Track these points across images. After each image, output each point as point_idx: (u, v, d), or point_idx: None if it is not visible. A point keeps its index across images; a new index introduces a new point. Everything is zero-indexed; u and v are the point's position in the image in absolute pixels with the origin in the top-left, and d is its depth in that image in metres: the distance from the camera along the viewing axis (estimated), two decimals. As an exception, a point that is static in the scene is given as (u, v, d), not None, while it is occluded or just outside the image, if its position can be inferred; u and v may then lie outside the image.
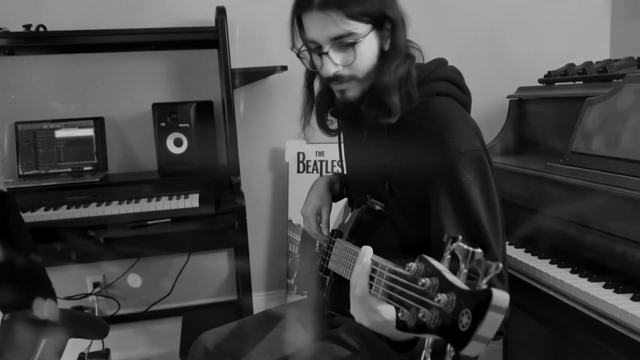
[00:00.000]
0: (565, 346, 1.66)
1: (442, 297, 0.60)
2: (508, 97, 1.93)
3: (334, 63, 1.08)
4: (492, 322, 0.53)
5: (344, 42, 1.06)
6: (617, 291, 1.18)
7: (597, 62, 1.73)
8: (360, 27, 1.06)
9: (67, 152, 2.28)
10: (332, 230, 1.35)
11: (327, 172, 2.41)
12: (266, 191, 2.54)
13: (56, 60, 2.30)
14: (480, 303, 0.54)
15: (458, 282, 0.61)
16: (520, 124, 1.87)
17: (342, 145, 1.39)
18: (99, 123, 2.30)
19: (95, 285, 2.41)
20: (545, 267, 1.37)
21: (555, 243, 1.46)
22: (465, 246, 0.61)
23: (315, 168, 2.43)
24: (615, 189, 1.26)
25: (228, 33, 2.11)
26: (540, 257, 1.43)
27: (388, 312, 0.79)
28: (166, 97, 2.37)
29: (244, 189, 2.12)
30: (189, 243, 2.34)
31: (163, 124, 2.18)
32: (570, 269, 1.33)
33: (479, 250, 0.60)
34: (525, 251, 1.49)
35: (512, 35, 2.50)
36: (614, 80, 1.55)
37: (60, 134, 2.28)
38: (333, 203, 1.43)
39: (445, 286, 0.61)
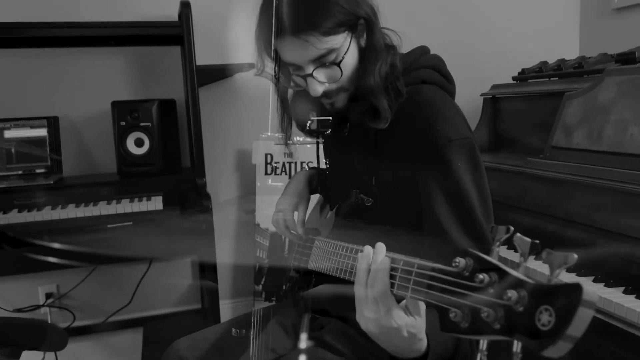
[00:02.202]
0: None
1: (512, 293, 0.53)
2: (482, 95, 1.91)
3: (320, 82, 1.03)
4: (583, 319, 0.47)
5: (327, 61, 1.01)
6: (607, 285, 1.15)
7: (569, 60, 1.74)
8: (338, 40, 1.00)
9: (18, 154, 2.13)
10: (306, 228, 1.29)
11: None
12: (232, 194, 2.44)
13: (5, 55, 2.15)
14: (566, 298, 0.48)
15: (524, 277, 0.54)
16: (494, 122, 1.86)
17: (322, 140, 1.33)
18: (52, 122, 2.15)
19: (48, 295, 2.26)
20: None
21: (536, 239, 1.43)
22: (526, 238, 0.56)
23: (284, 170, 2.35)
24: (601, 182, 1.24)
25: (193, 28, 2.02)
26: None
27: (402, 317, 0.74)
28: (126, 96, 2.25)
29: (209, 192, 2.03)
30: (152, 247, 2.21)
31: (123, 123, 2.06)
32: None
33: (537, 241, 0.56)
34: (507, 249, 1.46)
35: (482, 34, 2.50)
36: (591, 75, 1.54)
37: (10, 134, 2.13)
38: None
39: (511, 282, 0.55)
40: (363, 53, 1.06)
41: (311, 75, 1.01)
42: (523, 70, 1.85)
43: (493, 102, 1.88)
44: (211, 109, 2.34)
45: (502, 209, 1.55)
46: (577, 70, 1.58)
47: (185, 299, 2.45)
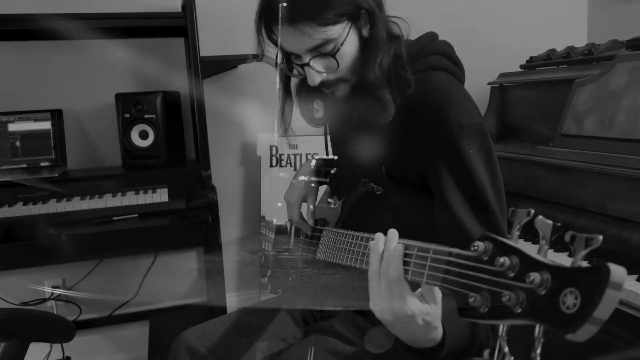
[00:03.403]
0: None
1: (535, 276, 0.52)
2: (489, 83, 1.89)
3: (317, 72, 1.01)
4: (610, 301, 0.46)
5: (324, 51, 0.99)
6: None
7: (578, 47, 1.71)
8: (336, 30, 0.98)
9: (22, 147, 2.12)
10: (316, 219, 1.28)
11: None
12: (237, 186, 2.43)
13: (8, 47, 2.14)
14: (592, 280, 0.47)
15: (547, 260, 0.53)
16: (502, 111, 1.84)
17: (329, 129, 1.31)
18: (56, 115, 2.14)
19: (54, 289, 2.25)
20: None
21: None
22: (548, 221, 0.55)
23: (288, 162, 2.34)
24: (613, 169, 1.22)
25: (197, 20, 2.00)
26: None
27: (416, 305, 0.73)
28: (131, 88, 2.24)
29: (214, 184, 2.02)
30: (157, 240, 2.20)
31: (127, 115, 2.04)
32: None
33: (559, 224, 0.54)
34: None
35: (490, 22, 2.47)
36: (601, 62, 1.52)
37: (13, 127, 2.11)
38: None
39: (532, 265, 0.54)
40: (365, 43, 1.04)
41: (308, 64, 1.00)
42: (531, 58, 1.82)
43: (501, 90, 1.86)
44: (216, 101, 2.32)
45: (513, 198, 1.53)
46: (587, 57, 1.56)
47: (191, 292, 2.44)
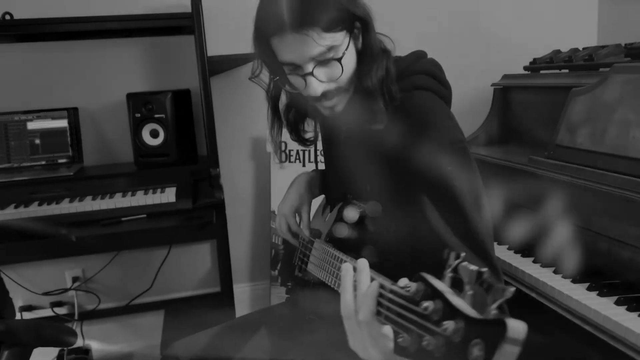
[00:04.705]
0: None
1: (449, 324, 0.54)
2: (492, 85, 1.87)
3: (320, 81, 1.02)
4: (507, 355, 0.48)
5: (326, 58, 1.00)
6: (601, 294, 1.14)
7: (583, 49, 1.67)
8: (337, 38, 1.00)
9: (41, 145, 2.21)
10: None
11: (310, 161, 2.35)
12: (248, 181, 2.48)
13: (25, 49, 2.22)
14: (493, 334, 0.49)
15: (465, 307, 0.54)
16: (504, 113, 1.82)
17: (321, 142, 1.34)
18: (72, 113, 2.22)
19: (75, 279, 2.36)
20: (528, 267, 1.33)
21: (536, 240, 1.42)
22: (471, 267, 0.56)
23: (297, 158, 2.36)
24: (600, 186, 1.21)
25: (204, 19, 2.03)
26: (524, 256, 1.39)
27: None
28: (142, 85, 2.29)
29: (225, 180, 2.06)
30: (166, 238, 2.28)
31: (138, 115, 2.10)
32: (553, 269, 1.29)
33: (486, 269, 0.55)
34: (508, 249, 1.45)
35: (498, 21, 2.42)
36: (601, 70, 1.49)
37: (32, 125, 2.20)
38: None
39: (451, 311, 0.55)
40: (360, 55, 1.06)
41: (311, 73, 1.00)
42: (534, 60, 1.79)
43: (504, 92, 1.83)
44: (225, 98, 2.36)
45: (507, 207, 1.53)
46: (587, 63, 1.53)
47: (205, 283, 2.52)
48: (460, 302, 0.55)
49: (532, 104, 1.71)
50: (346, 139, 1.19)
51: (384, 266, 0.81)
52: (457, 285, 0.58)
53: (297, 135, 1.23)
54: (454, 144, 1.01)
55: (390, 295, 0.67)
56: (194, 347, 1.17)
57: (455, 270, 0.58)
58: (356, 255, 1.02)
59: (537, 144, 1.62)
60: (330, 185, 1.35)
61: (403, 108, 1.06)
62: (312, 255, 1.23)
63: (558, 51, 1.76)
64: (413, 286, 0.62)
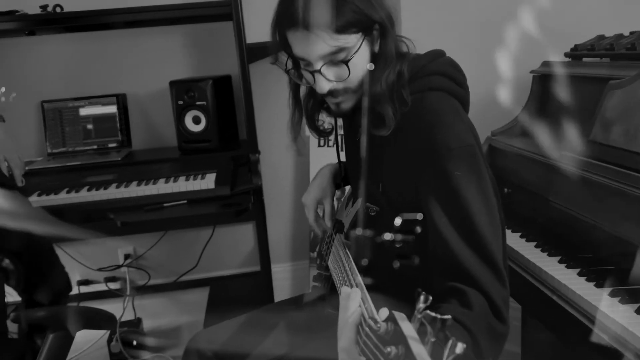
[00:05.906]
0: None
1: None
2: (531, 72, 1.80)
3: (327, 80, 1.04)
4: None
5: (336, 59, 1.01)
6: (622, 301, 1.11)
7: (631, 34, 1.57)
8: (350, 40, 1.00)
9: (93, 130, 2.33)
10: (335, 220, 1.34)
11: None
12: (288, 165, 2.53)
13: (73, 38, 2.32)
14: None
15: (424, 356, 0.56)
16: (541, 103, 1.75)
17: (341, 138, 1.35)
18: (121, 99, 2.32)
19: (127, 257, 2.51)
20: (553, 268, 1.30)
21: (565, 238, 1.39)
22: (433, 314, 0.57)
23: (336, 141, 2.37)
24: (629, 189, 1.16)
25: (242, 6, 2.05)
26: (550, 255, 1.37)
27: None
28: (185, 72, 2.36)
29: (266, 163, 2.11)
30: (207, 221, 2.38)
31: (181, 102, 2.17)
32: (578, 270, 1.26)
33: (448, 316, 0.57)
34: (536, 246, 1.42)
35: (539, 3, 2.29)
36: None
37: (84, 111, 2.32)
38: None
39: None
40: (375, 58, 1.06)
41: (319, 71, 1.02)
42: (576, 46, 1.70)
43: (542, 80, 1.76)
44: (267, 83, 2.39)
45: (535, 200, 1.51)
46: (628, 52, 1.44)
47: (247, 261, 2.62)
48: (420, 351, 0.56)
49: (571, 94, 1.64)
50: (361, 139, 1.20)
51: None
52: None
53: (313, 125, 1.25)
54: (462, 148, 1.00)
55: (367, 329, 0.68)
56: (215, 340, 1.23)
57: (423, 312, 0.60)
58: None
59: (574, 137, 1.56)
60: (351, 180, 1.37)
61: (414, 109, 1.06)
62: (332, 251, 1.26)
63: (602, 36, 1.67)
64: (382, 326, 0.64)
